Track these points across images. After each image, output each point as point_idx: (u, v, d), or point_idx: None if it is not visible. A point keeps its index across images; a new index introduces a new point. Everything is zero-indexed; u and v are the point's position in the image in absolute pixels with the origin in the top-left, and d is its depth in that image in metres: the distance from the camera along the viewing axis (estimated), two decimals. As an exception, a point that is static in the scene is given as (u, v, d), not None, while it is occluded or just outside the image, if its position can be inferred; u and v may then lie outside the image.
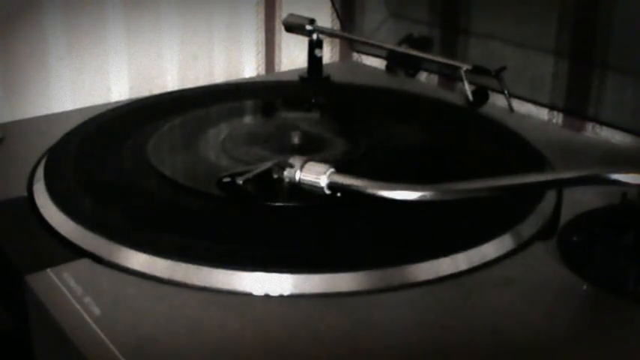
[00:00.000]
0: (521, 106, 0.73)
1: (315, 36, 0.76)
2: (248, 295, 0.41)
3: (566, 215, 0.49)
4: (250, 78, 0.86)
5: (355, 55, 0.93)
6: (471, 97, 0.70)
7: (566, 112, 0.71)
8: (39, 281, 0.42)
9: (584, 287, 0.42)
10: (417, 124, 0.66)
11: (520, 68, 0.71)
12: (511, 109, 0.71)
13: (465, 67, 0.70)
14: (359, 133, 0.63)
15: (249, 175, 0.49)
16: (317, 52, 0.77)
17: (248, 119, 0.70)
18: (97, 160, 0.57)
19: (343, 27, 0.90)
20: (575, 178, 0.42)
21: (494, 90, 0.71)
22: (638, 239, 0.43)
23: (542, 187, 0.50)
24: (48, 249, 0.46)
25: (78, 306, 0.40)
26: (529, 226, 0.48)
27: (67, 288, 0.41)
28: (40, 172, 0.55)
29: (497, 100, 0.72)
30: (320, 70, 0.78)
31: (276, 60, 0.89)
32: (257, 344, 0.37)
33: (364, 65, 0.91)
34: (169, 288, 0.41)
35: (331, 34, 0.85)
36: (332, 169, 0.47)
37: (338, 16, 0.90)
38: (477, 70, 0.70)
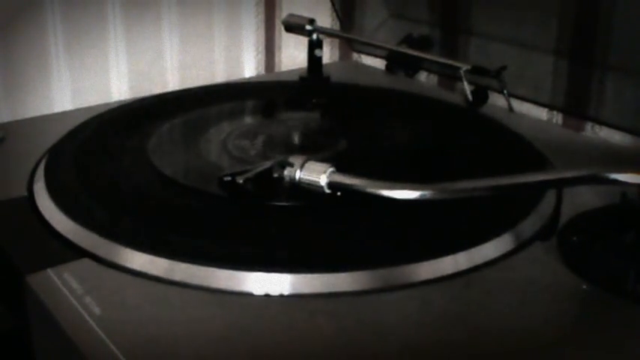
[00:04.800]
0: (521, 106, 0.73)
1: (314, 36, 0.76)
2: (248, 295, 0.41)
3: (566, 215, 0.49)
4: (250, 78, 0.86)
5: (355, 55, 0.93)
6: (470, 97, 0.70)
7: (566, 112, 0.71)
8: (39, 281, 0.42)
9: (584, 287, 0.42)
10: (417, 124, 0.66)
11: (520, 68, 0.70)
12: (511, 109, 0.71)
13: (464, 67, 0.70)
14: (359, 133, 0.63)
15: (250, 175, 0.49)
16: (317, 52, 0.77)
17: (248, 119, 0.70)
18: (97, 160, 0.57)
19: (343, 27, 0.90)
20: (575, 177, 0.42)
21: (494, 90, 0.71)
22: (638, 239, 0.43)
23: (542, 187, 0.50)
24: (48, 249, 0.46)
25: (78, 306, 0.40)
26: (529, 226, 0.48)
27: (67, 288, 0.41)
28: (40, 172, 0.55)
29: (497, 100, 0.72)
30: (320, 70, 0.78)
31: (276, 60, 0.89)
32: (257, 344, 0.37)
33: (364, 65, 0.91)
34: (169, 288, 0.41)
35: (331, 34, 0.84)
36: (332, 169, 0.47)
37: (338, 16, 0.90)
38: (476, 70, 0.70)
